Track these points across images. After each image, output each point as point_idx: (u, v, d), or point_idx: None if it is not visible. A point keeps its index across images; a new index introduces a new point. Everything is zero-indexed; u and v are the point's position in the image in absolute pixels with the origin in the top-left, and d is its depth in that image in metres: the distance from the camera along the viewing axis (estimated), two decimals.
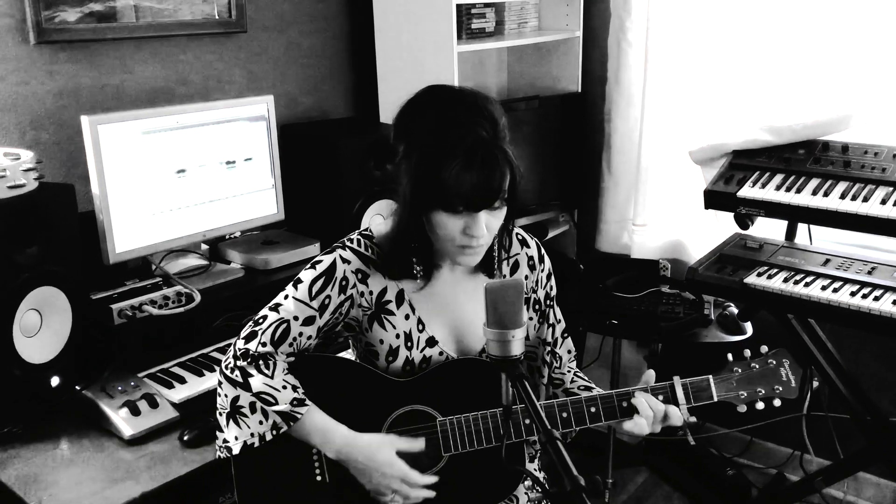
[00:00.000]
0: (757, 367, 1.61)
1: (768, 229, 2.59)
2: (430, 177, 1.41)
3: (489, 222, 1.46)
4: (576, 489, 1.08)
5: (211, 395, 1.68)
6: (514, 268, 1.68)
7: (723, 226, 2.73)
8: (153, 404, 1.81)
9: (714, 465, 3.09)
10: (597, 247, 3.23)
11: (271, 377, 1.49)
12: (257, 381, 1.49)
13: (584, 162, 3.24)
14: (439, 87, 1.52)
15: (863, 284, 2.19)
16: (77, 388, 1.85)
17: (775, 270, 2.33)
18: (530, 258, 1.70)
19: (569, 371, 1.77)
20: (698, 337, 2.65)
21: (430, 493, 1.52)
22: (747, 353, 1.63)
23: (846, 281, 2.22)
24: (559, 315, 1.76)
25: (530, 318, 1.70)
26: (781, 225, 2.56)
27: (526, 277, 1.68)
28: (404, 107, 1.51)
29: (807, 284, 2.23)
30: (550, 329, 1.73)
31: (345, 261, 1.56)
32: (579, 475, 1.09)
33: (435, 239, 1.50)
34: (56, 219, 1.80)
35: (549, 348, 1.73)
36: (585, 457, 2.93)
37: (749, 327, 2.68)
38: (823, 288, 2.21)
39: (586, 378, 1.77)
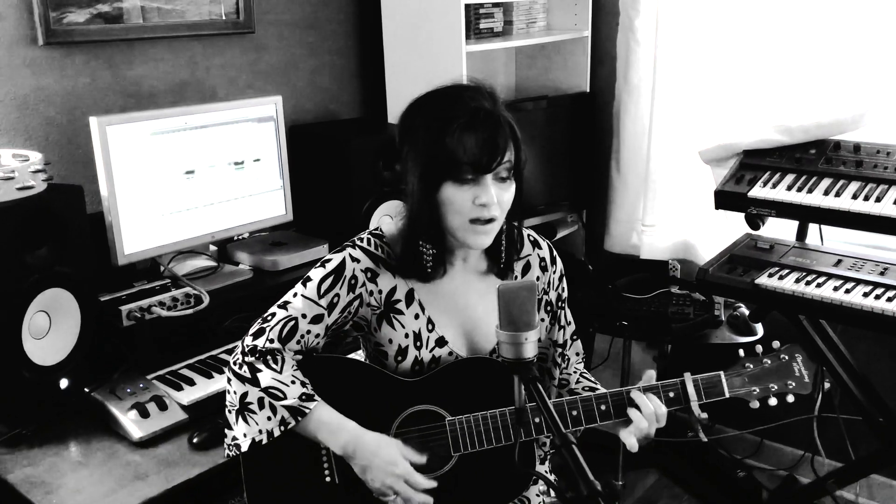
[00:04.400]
0: (769, 362, 1.60)
1: (779, 230, 2.57)
2: (436, 146, 1.45)
3: (499, 195, 1.47)
4: (592, 494, 1.07)
5: (220, 396, 1.68)
6: (526, 269, 1.67)
7: (733, 226, 2.71)
8: (162, 406, 1.80)
9: (724, 466, 3.07)
10: (605, 247, 3.21)
11: (280, 372, 1.49)
12: (266, 377, 1.48)
13: (592, 162, 3.22)
14: (437, 88, 1.55)
15: (875, 285, 2.17)
16: (86, 390, 1.84)
17: (787, 271, 2.31)
18: (542, 259, 1.69)
19: (575, 372, 1.77)
20: (709, 338, 2.64)
21: (429, 499, 1.49)
22: (759, 348, 1.62)
23: (858, 281, 2.20)
24: (570, 317, 1.75)
25: (542, 320, 1.69)
26: (792, 225, 2.55)
27: (537, 278, 1.67)
28: (406, 109, 1.54)
29: (819, 285, 2.21)
30: (561, 331, 1.72)
31: (354, 259, 1.55)
32: (595, 479, 1.08)
33: (446, 220, 1.50)
34: (65, 220, 1.80)
35: (559, 350, 1.72)
36: (595, 457, 2.91)
37: (760, 328, 2.66)
38: (836, 289, 2.19)
39: (592, 379, 1.76)
